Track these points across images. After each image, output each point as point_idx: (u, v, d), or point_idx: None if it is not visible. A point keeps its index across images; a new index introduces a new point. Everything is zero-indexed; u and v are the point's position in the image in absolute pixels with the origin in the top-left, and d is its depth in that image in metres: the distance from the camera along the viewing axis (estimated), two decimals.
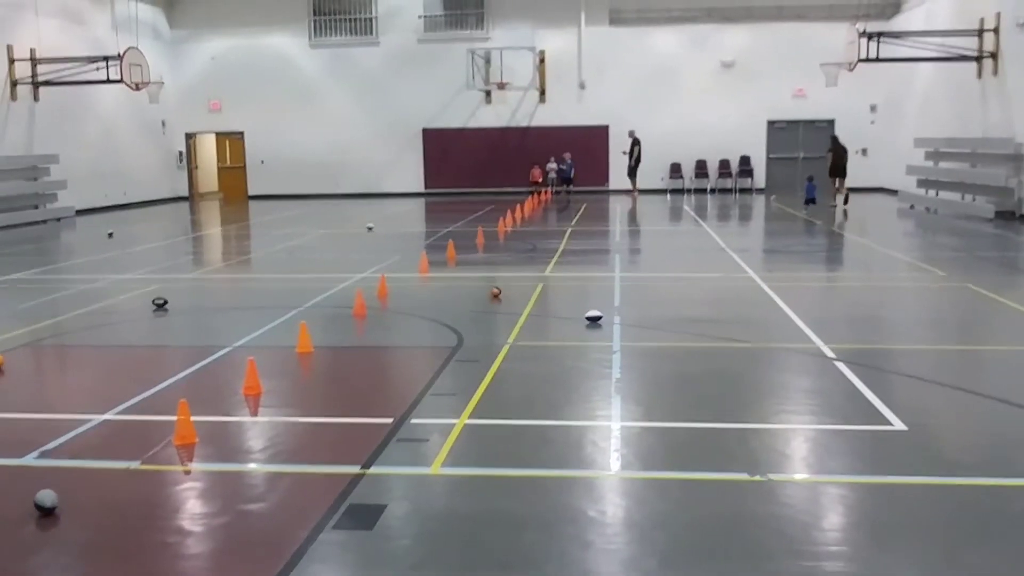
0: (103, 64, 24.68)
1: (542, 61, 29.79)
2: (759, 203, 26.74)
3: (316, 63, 31.69)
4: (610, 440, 5.98)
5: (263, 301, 11.47)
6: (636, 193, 29.36)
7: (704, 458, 5.67)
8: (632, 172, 29.31)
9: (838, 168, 24.41)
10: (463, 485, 5.29)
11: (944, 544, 4.53)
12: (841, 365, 7.72)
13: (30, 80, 24.14)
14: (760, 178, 30.54)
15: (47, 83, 24.45)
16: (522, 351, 8.42)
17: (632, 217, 23.16)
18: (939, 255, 15.29)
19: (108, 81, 24.83)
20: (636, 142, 29.13)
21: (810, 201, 24.53)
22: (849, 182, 24.71)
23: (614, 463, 5.59)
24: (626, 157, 29.37)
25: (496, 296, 11.07)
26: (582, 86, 30.76)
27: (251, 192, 32.52)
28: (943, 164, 23.45)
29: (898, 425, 6.16)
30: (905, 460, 5.61)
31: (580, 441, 6.02)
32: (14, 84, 23.73)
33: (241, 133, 32.37)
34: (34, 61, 24.19)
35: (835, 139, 25.19)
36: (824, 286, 12.53)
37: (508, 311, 10.33)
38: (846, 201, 23.95)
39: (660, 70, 30.28)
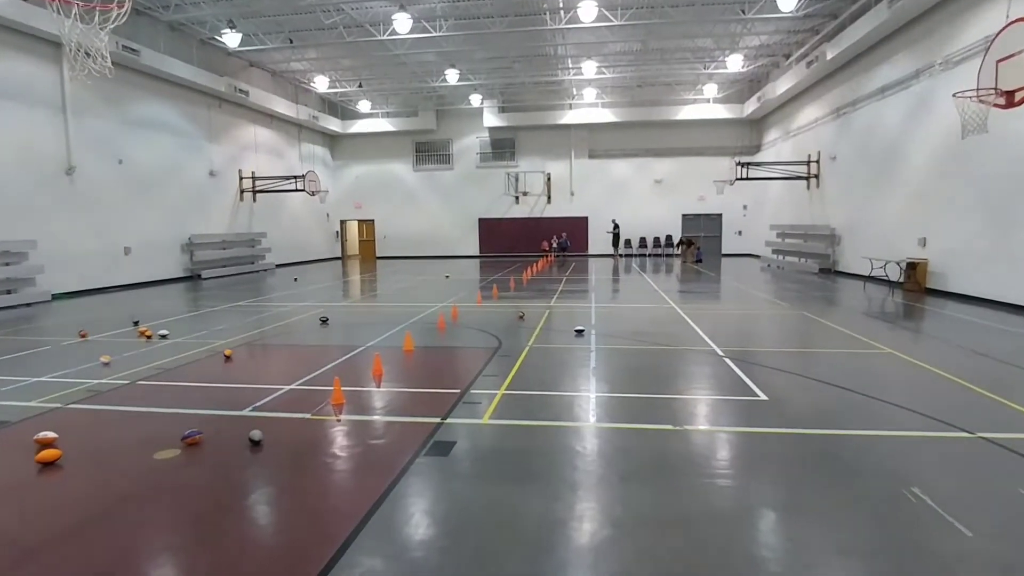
0: (293, 180, 25.05)
1: (548, 179, 29.92)
2: (676, 263, 26.53)
3: (417, 179, 31.92)
4: (590, 404, 5.96)
5: (385, 319, 11.56)
6: (617, 257, 29.24)
7: (646, 416, 5.64)
8: (615, 243, 29.31)
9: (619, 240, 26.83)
10: (502, 430, 5.30)
11: (790, 472, 4.45)
12: (728, 360, 7.65)
13: (251, 189, 24.58)
14: (675, 248, 30.25)
15: (261, 190, 24.82)
16: (537, 350, 8.42)
17: (608, 271, 23.10)
18: (785, 294, 15.10)
19: (296, 190, 25.20)
20: (616, 226, 29.17)
21: (698, 261, 24.92)
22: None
23: (592, 418, 5.57)
24: (610, 235, 29.26)
25: (521, 317, 11.10)
26: (572, 193, 30.85)
27: (379, 255, 32.69)
28: (788, 240, 23.16)
29: (762, 396, 6.08)
30: (766, 418, 5.54)
31: (572, 404, 6.00)
32: (241, 192, 24.22)
33: (372, 220, 32.65)
34: (254, 179, 24.64)
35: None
36: (717, 312, 12.43)
37: (529, 326, 10.37)
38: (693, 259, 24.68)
39: (619, 183, 30.21)
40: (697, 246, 26.02)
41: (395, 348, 8.66)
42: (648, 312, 12.18)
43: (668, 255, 30.47)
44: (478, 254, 32.12)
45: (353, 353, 8.36)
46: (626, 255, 30.43)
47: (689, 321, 10.70)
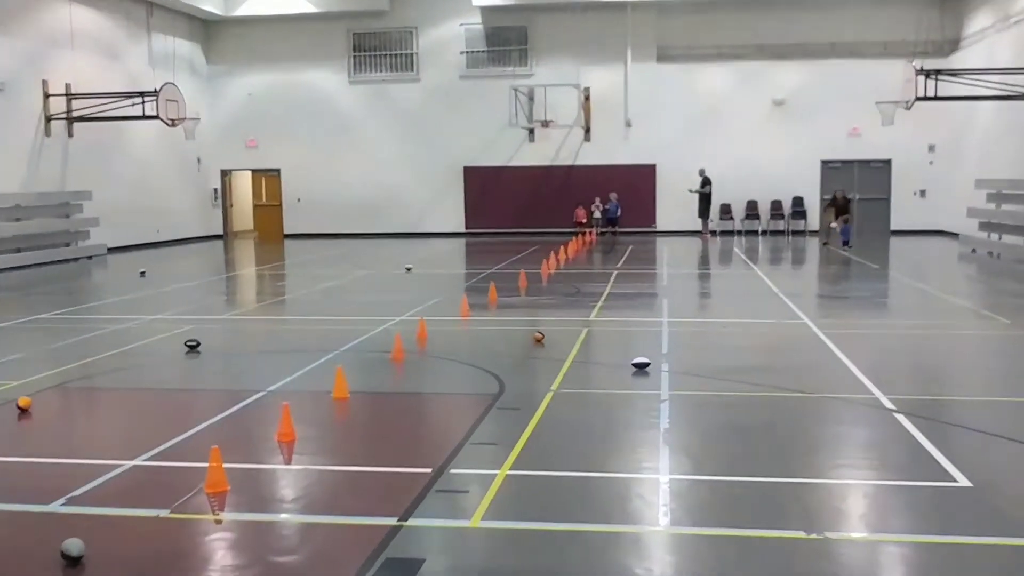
0: (139, 100, 25.15)
1: (587, 99, 29.97)
2: (812, 246, 26.51)
3: (355, 100, 32.19)
4: (658, 494, 5.93)
5: (298, 344, 11.56)
6: (708, 234, 29.25)
7: (758, 514, 5.59)
8: (703, 211, 29.23)
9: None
10: (504, 539, 5.26)
11: None
12: (901, 417, 7.60)
13: (64, 116, 24.68)
14: (814, 220, 30.28)
15: (81, 119, 24.99)
16: (566, 399, 8.40)
17: (691, 259, 23.07)
18: (1003, 301, 15.00)
19: (144, 117, 25.26)
20: (707, 181, 29.08)
21: (845, 243, 25.12)
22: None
23: (662, 518, 5.52)
24: (695, 196, 29.25)
25: (539, 341, 11.06)
26: (628, 124, 30.87)
27: (287, 231, 32.91)
28: (1006, 207, 23.11)
29: (963, 481, 6.02)
30: (970, 519, 5.47)
31: (626, 494, 5.97)
32: (48, 120, 24.29)
33: (277, 170, 32.85)
34: (69, 96, 24.77)
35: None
36: (882, 333, 12.35)
37: (551, 357, 10.32)
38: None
39: (709, 108, 30.31)
40: (847, 216, 25.97)
41: (317, 394, 8.69)
42: (762, 333, 12.17)
43: (797, 232, 30.76)
44: (463, 230, 32.33)
45: (244, 404, 8.37)
46: (721, 232, 30.43)
47: (833, 348, 10.65)
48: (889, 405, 8.00)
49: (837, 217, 25.83)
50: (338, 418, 8.04)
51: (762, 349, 10.95)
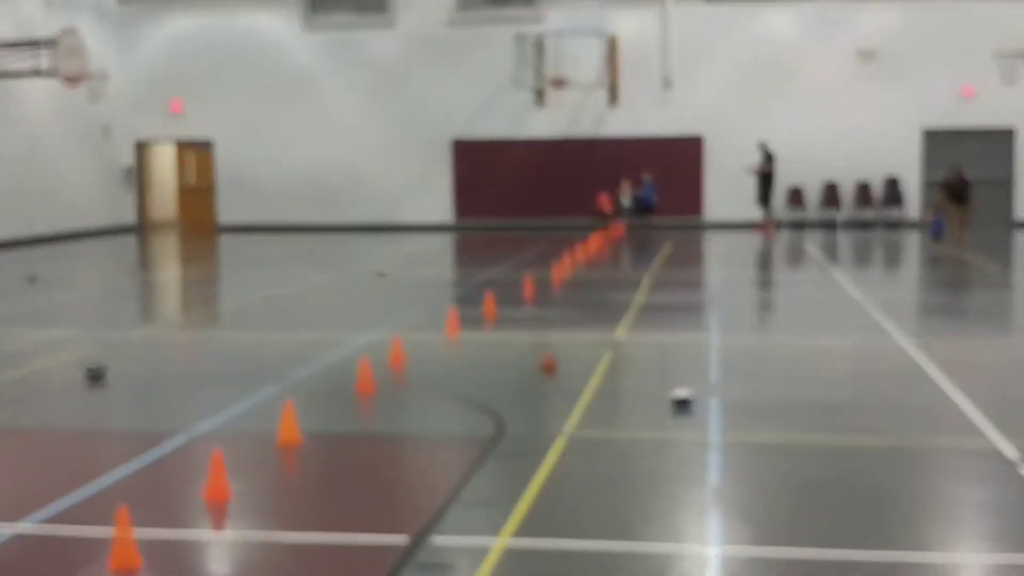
0: (29, 51, 25.05)
1: (614, 50, 30.00)
2: (911, 241, 26.45)
3: (311, 51, 32.32)
4: (705, 571, 5.90)
5: (236, 371, 11.53)
6: (772, 227, 29.20)
7: None
8: (765, 198, 29.17)
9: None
10: None
11: None
12: None
13: None
14: (913, 206, 30.25)
15: None
16: (584, 445, 8.37)
17: (748, 257, 23.02)
18: None
19: (35, 74, 25.20)
20: (769, 157, 29.04)
21: (937, 233, 25.10)
22: None
23: None
24: (754, 177, 29.26)
25: (550, 367, 11.02)
26: (668, 84, 30.86)
27: (221, 221, 33.03)
28: None
29: None
30: None
31: (664, 572, 5.94)
32: None
33: (209, 143, 32.99)
34: None
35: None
36: (1005, 359, 12.28)
37: (565, 388, 10.30)
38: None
39: (774, 62, 30.40)
40: (966, 203, 25.36)
41: (259, 437, 8.66)
42: (843, 358, 12.15)
43: (890, 223, 30.79)
44: (452, 222, 32.39)
45: (162, 450, 8.32)
46: (789, 224, 30.37)
47: (938, 379, 10.59)
48: (1014, 455, 7.95)
49: (958, 203, 25.31)
50: (286, 470, 8.01)
51: (843, 380, 10.92)
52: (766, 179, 29.18)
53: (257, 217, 32.45)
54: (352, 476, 7.92)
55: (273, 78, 32.17)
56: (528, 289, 17.10)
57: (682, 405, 9.36)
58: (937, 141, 30.22)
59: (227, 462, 7.24)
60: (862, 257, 23.64)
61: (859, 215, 30.56)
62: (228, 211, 32.99)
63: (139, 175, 33.45)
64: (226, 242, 29.45)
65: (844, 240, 27.22)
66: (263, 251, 25.83)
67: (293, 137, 32.30)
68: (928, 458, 8.09)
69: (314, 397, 10.04)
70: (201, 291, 19.32)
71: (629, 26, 30.59)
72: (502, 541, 6.26)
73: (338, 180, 32.15)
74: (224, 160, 32.91)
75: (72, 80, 25.81)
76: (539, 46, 30.06)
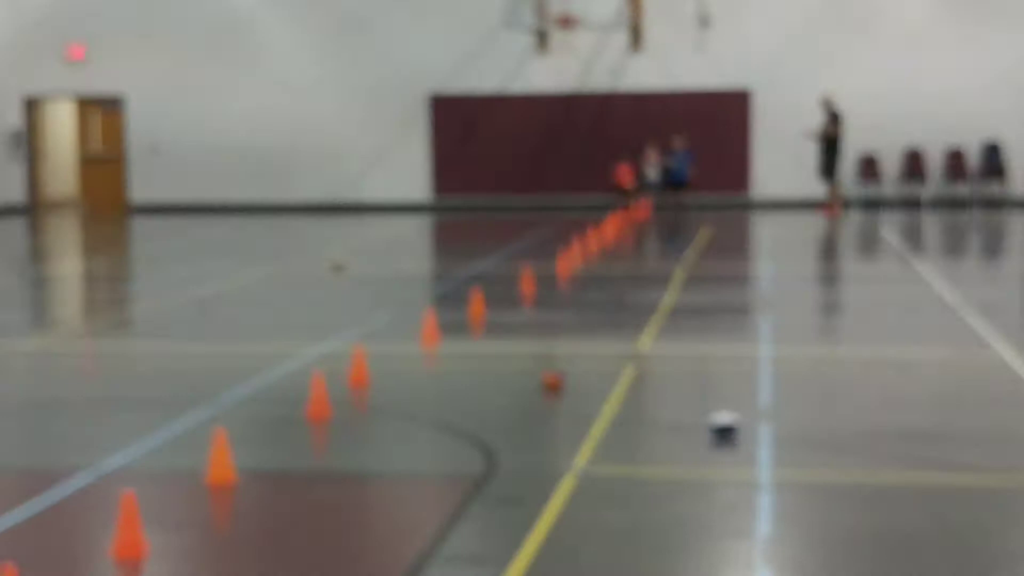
0: None
1: None
2: (1019, 224, 26.45)
3: None
4: None
5: (153, 392, 11.52)
6: (838, 208, 29.16)
7: None
8: (830, 169, 29.09)
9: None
10: None
11: None
12: None
13: None
14: (1018, 180, 30.27)
15: None
16: (598, 485, 8.38)
17: (808, 244, 23.04)
18: None
19: None
20: (836, 118, 28.97)
21: None
22: None
23: None
24: (816, 143, 29.16)
25: (554, 387, 11.03)
26: (705, 23, 30.86)
27: (135, 200, 33.07)
28: None
29: None
30: None
31: None
32: None
33: (119, 100, 33.01)
34: None
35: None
36: None
37: (575, 413, 10.33)
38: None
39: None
40: None
41: (183, 476, 8.68)
42: (930, 374, 12.19)
43: (991, 202, 30.68)
44: (430, 200, 32.43)
45: (58, 492, 8.31)
46: (861, 202, 30.39)
47: None
48: None
49: None
50: (217, 517, 8.01)
51: (929, 403, 10.95)
52: (831, 145, 29.16)
53: (180, 195, 32.50)
54: (300, 526, 7.89)
55: (201, 19, 32.20)
56: (527, 286, 17.09)
57: (723, 434, 9.36)
58: None
59: (143, 507, 7.23)
60: (954, 245, 23.64)
61: (950, 191, 30.60)
62: (143, 187, 33.00)
63: (29, 141, 33.43)
64: (141, 226, 29.44)
65: (931, 223, 27.23)
66: (187, 238, 25.80)
67: (227, 94, 32.33)
68: None
69: (253, 425, 10.05)
70: (109, 290, 19.29)
71: None
72: None
73: (284, 148, 32.18)
74: (138, 123, 32.92)
75: None
76: None
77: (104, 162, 33.73)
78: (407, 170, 32.10)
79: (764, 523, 7.54)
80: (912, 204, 30.49)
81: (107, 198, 33.28)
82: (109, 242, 26.03)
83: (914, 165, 30.71)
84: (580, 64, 31.30)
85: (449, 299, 16.79)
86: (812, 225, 27.18)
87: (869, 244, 24.23)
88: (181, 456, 9.12)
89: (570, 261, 19.51)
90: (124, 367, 13.26)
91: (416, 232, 27.56)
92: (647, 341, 13.57)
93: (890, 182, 30.86)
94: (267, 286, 18.68)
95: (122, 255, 23.74)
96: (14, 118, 33.00)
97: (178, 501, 8.17)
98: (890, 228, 26.27)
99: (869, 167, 30.78)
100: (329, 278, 19.21)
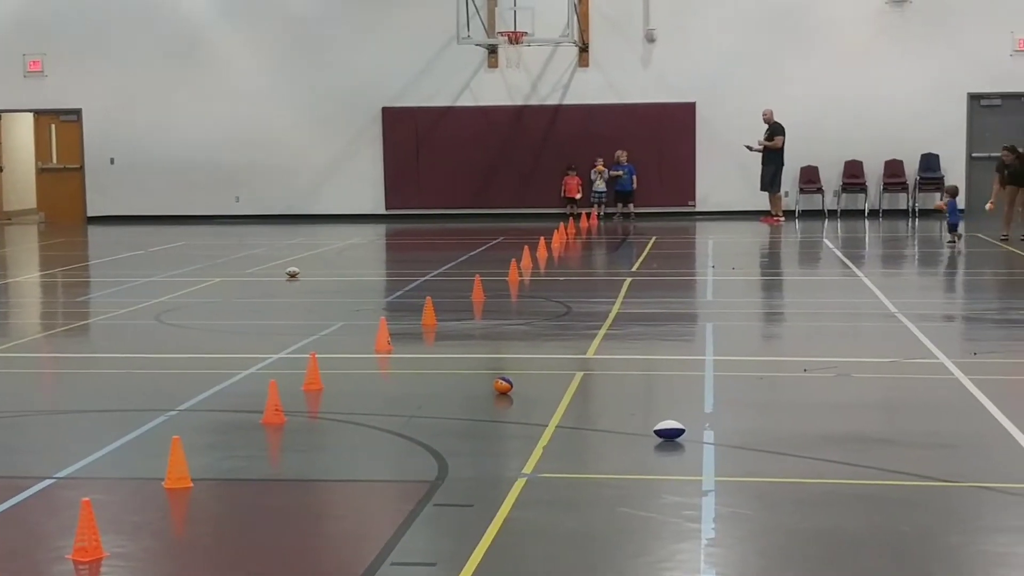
0: None
1: None
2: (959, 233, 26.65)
3: (208, 1, 32.18)
4: None
5: (110, 400, 11.44)
6: (780, 217, 29.32)
7: None
8: (772, 181, 29.27)
9: None
10: None
11: None
12: None
13: None
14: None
15: None
16: (547, 489, 8.38)
17: (753, 255, 23.14)
18: None
19: None
20: (778, 130, 29.19)
21: (951, 232, 24.50)
22: None
23: None
24: (759, 155, 29.38)
25: (504, 392, 11.05)
26: (651, 38, 30.99)
27: (92, 211, 32.88)
28: None
29: None
30: None
31: None
32: None
33: (77, 112, 32.81)
34: None
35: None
36: None
37: (524, 420, 10.33)
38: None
39: (782, 12, 30.64)
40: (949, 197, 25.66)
41: (140, 483, 8.65)
42: (872, 381, 12.22)
43: (929, 211, 30.60)
44: (382, 211, 32.45)
45: (15, 499, 8.19)
46: (803, 212, 30.52)
47: (991, 408, 10.67)
48: None
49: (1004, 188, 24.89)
50: (174, 522, 7.97)
51: (872, 408, 10.97)
52: (773, 158, 29.31)
53: (137, 206, 32.29)
54: (254, 531, 7.86)
55: (157, 33, 31.97)
56: (478, 295, 17.08)
57: (669, 438, 9.38)
58: (985, 109, 30.53)
59: (100, 513, 7.18)
60: (894, 255, 23.77)
61: (890, 201, 30.76)
62: (101, 199, 32.78)
63: None
64: (98, 237, 29.20)
65: (872, 232, 27.37)
66: (145, 249, 25.63)
67: (182, 107, 32.12)
68: (981, 503, 8.09)
69: (209, 431, 10.01)
70: (66, 299, 19.15)
71: None
72: None
73: (239, 160, 32.01)
74: (96, 135, 32.69)
75: None
76: None
77: (62, 173, 33.39)
78: (360, 182, 32.01)
79: (707, 526, 7.53)
80: (854, 214, 30.64)
81: (65, 209, 33.01)
82: (66, 252, 25.83)
83: (854, 176, 30.81)
84: (529, 78, 31.32)
85: (402, 307, 16.73)
86: (755, 235, 27.26)
87: (810, 253, 24.32)
88: (139, 462, 9.08)
89: (520, 271, 19.50)
90: (80, 375, 13.14)
91: (369, 242, 27.47)
92: (595, 349, 13.55)
93: (831, 193, 30.98)
94: (222, 294, 18.58)
95: (78, 265, 23.55)
96: None
97: (136, 506, 8.13)
98: (832, 238, 26.38)
99: (810, 178, 30.87)
100: (283, 287, 19.12)
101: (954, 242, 23.86)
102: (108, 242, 27.73)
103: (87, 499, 7.22)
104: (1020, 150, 25.21)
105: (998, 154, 25.84)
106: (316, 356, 12.03)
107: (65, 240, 28.77)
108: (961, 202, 25.65)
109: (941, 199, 25.72)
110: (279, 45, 31.90)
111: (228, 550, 7.52)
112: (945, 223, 24.73)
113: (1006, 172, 24.69)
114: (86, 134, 32.76)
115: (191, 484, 8.35)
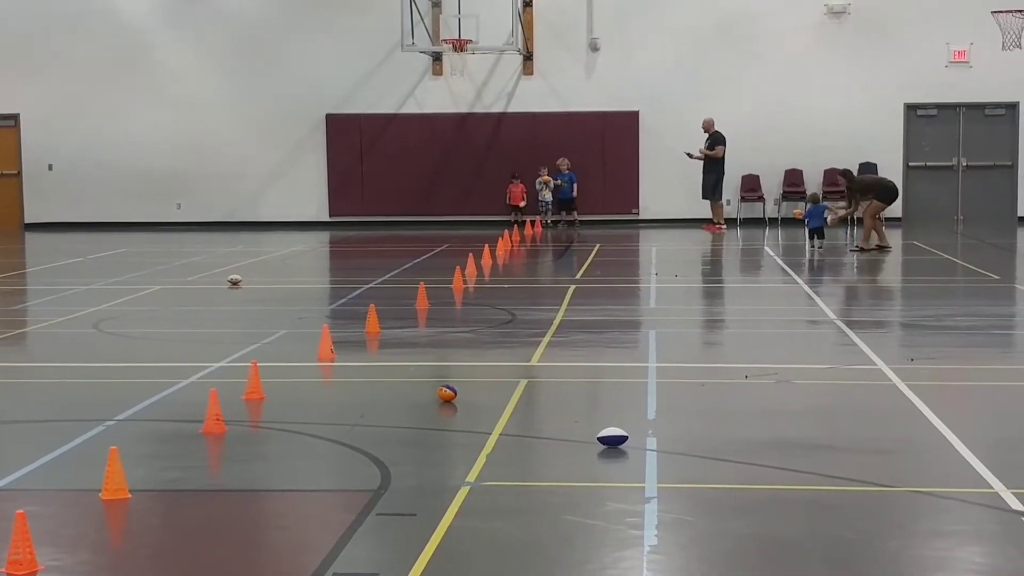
0: None
1: (528, 4, 30.13)
2: (896, 239, 26.83)
3: (150, 7, 32.04)
4: None
5: (45, 409, 11.35)
6: (722, 225, 29.44)
7: None
8: (713, 189, 29.41)
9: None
10: None
11: None
12: None
13: None
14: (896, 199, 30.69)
15: None
16: (490, 498, 8.37)
17: (689, 265, 23.21)
18: None
19: None
20: (718, 139, 29.32)
21: (813, 236, 24.97)
22: None
23: None
24: (698, 163, 29.50)
25: (448, 400, 11.04)
26: (594, 47, 31.09)
27: (29, 218, 32.64)
28: None
29: None
30: None
31: None
32: None
33: (14, 117, 32.56)
34: None
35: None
36: (1007, 388, 12.49)
37: (468, 427, 10.32)
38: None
39: (724, 22, 30.84)
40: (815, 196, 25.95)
41: (77, 494, 8.57)
42: (811, 386, 12.26)
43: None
44: (325, 218, 32.41)
45: None
46: (744, 220, 30.68)
47: (927, 412, 10.75)
48: (1017, 505, 8.08)
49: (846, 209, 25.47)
50: (111, 534, 7.90)
51: (811, 414, 11.04)
52: (714, 167, 29.43)
53: (75, 213, 32.04)
54: (194, 542, 7.79)
55: (97, 38, 31.75)
56: (422, 303, 17.06)
57: (612, 445, 9.39)
58: (922, 119, 30.82)
59: (34, 526, 7.10)
60: (833, 262, 23.91)
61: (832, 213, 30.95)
62: (38, 206, 32.50)
63: None
64: (35, 244, 28.95)
65: (811, 240, 27.53)
66: (83, 256, 25.42)
67: (123, 113, 31.91)
68: (918, 508, 8.16)
69: (147, 441, 9.95)
70: (1, 307, 18.94)
71: None
72: None
73: (180, 167, 31.79)
74: (33, 141, 32.44)
75: None
76: (435, 0, 30.09)
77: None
78: (304, 189, 31.91)
79: (650, 532, 7.54)
80: (793, 222, 30.76)
81: (2, 215, 32.66)
82: (3, 259, 25.55)
83: (794, 184, 31.01)
84: (474, 86, 31.32)
85: (345, 315, 16.69)
86: (697, 242, 27.38)
87: (752, 261, 24.46)
88: (75, 474, 9.00)
89: (464, 278, 19.50)
90: (13, 386, 13.00)
91: (313, 249, 27.38)
92: (538, 356, 13.57)
93: (771, 201, 31.17)
94: (161, 302, 18.45)
95: (13, 273, 23.31)
96: None
97: (72, 519, 8.03)
98: (772, 246, 26.54)
99: (751, 186, 31.04)
100: (224, 294, 19.03)
101: (816, 248, 24.61)
102: (46, 249, 27.48)
103: (21, 511, 7.14)
104: (851, 172, 25.90)
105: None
106: (258, 364, 11.97)
107: (1, 247, 28.47)
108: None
109: (805, 207, 25.91)
110: (222, 51, 31.76)
111: (167, 562, 7.45)
112: (806, 230, 25.42)
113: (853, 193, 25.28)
114: (24, 140, 32.48)
115: (129, 495, 8.27)
